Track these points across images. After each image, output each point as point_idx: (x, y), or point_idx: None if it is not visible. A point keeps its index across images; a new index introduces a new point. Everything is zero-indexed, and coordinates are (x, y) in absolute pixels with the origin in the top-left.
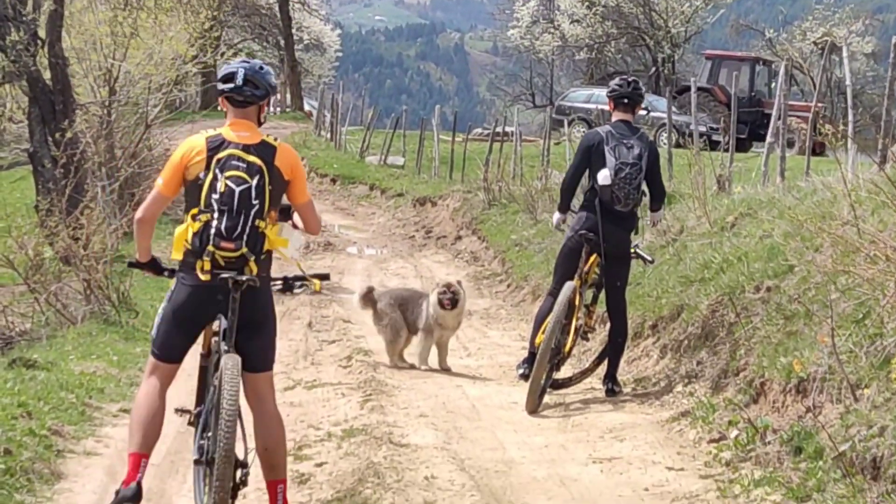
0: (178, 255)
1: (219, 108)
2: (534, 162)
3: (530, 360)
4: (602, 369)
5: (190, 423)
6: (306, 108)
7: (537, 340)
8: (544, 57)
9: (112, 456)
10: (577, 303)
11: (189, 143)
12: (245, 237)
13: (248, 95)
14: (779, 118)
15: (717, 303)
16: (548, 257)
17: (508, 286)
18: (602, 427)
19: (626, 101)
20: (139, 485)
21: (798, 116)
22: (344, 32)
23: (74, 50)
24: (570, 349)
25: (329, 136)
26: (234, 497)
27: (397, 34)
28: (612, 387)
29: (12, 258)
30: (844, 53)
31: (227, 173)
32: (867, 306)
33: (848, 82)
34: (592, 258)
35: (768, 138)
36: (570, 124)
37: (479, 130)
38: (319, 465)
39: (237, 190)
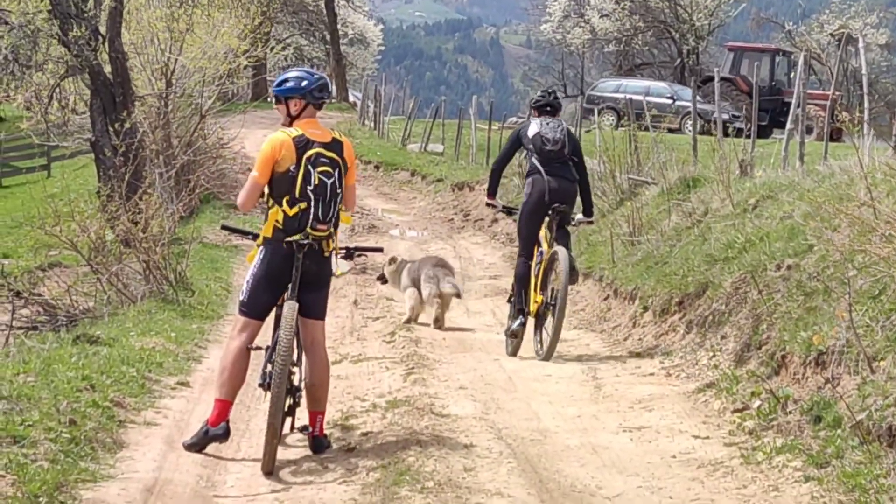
0: (268, 234)
1: (273, 106)
2: None
3: (524, 319)
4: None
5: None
6: (351, 98)
7: (538, 299)
8: (575, 49)
9: (170, 426)
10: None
11: (277, 141)
12: (332, 220)
13: (320, 98)
14: (798, 106)
15: (741, 280)
16: (578, 238)
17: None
18: (631, 398)
19: (548, 108)
20: (228, 423)
21: (816, 104)
22: (386, 28)
23: (133, 45)
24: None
25: (373, 125)
26: (291, 415)
27: (436, 29)
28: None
29: (76, 241)
30: (860, 44)
31: (319, 169)
32: (883, 283)
33: (864, 72)
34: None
35: (788, 125)
36: (599, 113)
37: (514, 119)
38: (365, 435)
39: (328, 182)
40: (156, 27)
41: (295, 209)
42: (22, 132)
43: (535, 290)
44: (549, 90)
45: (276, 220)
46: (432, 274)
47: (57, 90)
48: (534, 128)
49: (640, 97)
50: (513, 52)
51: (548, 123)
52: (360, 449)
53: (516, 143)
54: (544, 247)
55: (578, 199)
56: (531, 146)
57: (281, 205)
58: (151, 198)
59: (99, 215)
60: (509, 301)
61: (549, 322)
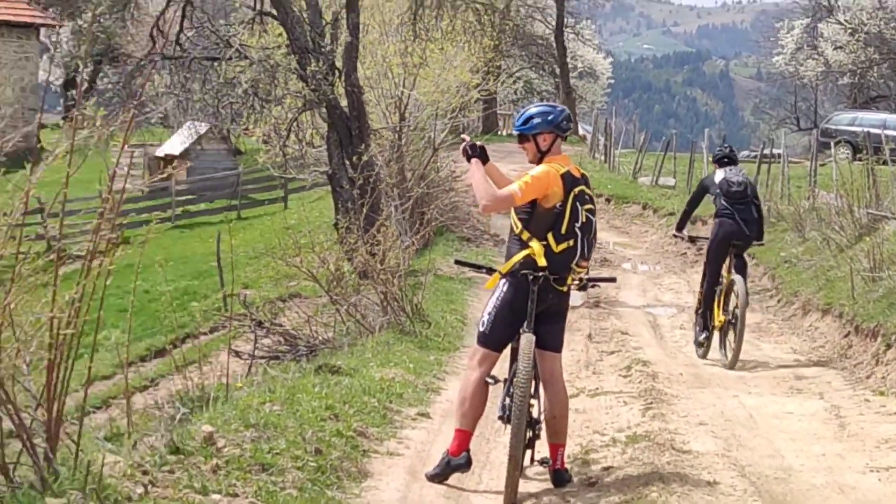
0: (507, 268)
1: (519, 146)
2: (800, 183)
3: (709, 333)
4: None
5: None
6: (581, 132)
7: (721, 318)
8: (808, 82)
9: (412, 456)
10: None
11: (550, 175)
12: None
13: (567, 129)
14: None
15: None
16: (816, 273)
17: (778, 301)
18: (878, 437)
19: (726, 160)
20: (469, 453)
21: None
22: (615, 60)
23: (368, 79)
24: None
25: (603, 158)
26: (531, 448)
27: (665, 62)
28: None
29: (315, 272)
30: None
31: (585, 206)
32: None
33: None
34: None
35: None
36: (835, 146)
37: (746, 153)
38: (606, 469)
39: (594, 220)
40: (390, 62)
41: (562, 245)
42: (260, 165)
43: (719, 310)
44: (727, 146)
45: (536, 255)
46: None
47: (294, 124)
48: (720, 174)
49: (877, 130)
50: (743, 85)
51: (730, 170)
52: (602, 483)
53: (703, 189)
54: (725, 274)
55: None
56: (718, 190)
57: (544, 240)
58: (388, 230)
59: (337, 247)
60: (696, 312)
61: (732, 337)
